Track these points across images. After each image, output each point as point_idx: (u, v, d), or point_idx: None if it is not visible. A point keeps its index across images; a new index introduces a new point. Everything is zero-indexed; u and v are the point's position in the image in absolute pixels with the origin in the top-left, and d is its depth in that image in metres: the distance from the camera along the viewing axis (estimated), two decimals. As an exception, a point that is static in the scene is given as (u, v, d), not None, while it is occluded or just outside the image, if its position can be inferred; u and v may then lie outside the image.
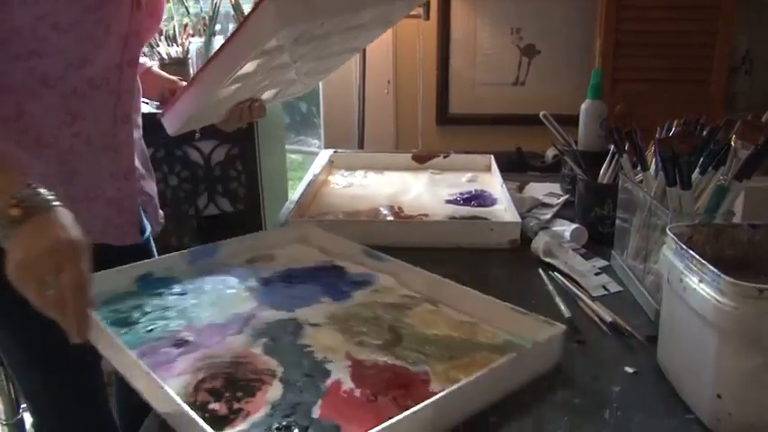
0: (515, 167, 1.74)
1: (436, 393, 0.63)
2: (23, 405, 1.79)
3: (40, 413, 1.11)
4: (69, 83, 0.94)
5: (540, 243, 1.08)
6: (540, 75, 2.25)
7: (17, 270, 0.71)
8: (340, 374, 0.71)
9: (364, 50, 2.09)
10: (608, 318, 0.86)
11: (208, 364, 0.73)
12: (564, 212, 1.30)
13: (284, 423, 0.62)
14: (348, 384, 0.69)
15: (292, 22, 0.85)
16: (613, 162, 1.16)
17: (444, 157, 1.60)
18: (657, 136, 0.93)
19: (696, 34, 2.01)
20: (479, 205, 1.31)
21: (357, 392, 0.68)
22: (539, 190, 1.45)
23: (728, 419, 0.62)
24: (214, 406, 0.65)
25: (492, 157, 1.57)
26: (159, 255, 1.15)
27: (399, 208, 1.28)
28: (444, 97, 2.29)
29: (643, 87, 2.05)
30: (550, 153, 1.74)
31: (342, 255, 1.03)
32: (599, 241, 1.12)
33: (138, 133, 1.13)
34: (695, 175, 0.86)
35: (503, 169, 1.71)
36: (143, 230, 1.14)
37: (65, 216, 0.75)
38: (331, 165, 1.59)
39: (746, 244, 0.74)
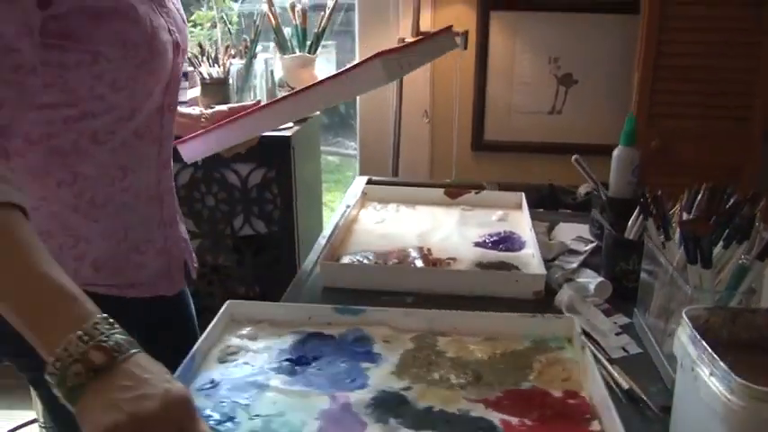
0: (546, 203, 1.75)
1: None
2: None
3: None
4: (119, 137, 0.95)
5: (563, 297, 1.10)
6: (576, 104, 2.25)
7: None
8: (496, 417, 0.77)
9: (402, 78, 2.12)
10: (625, 384, 0.87)
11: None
12: (591, 260, 1.31)
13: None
14: (514, 420, 0.76)
15: (393, 79, 0.93)
16: (640, 217, 1.16)
17: (476, 192, 1.63)
18: (681, 205, 0.95)
19: (737, 71, 2.00)
20: (507, 249, 1.33)
21: (528, 422, 0.76)
22: (568, 232, 1.46)
23: None
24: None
25: (523, 195, 1.58)
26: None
27: (428, 250, 1.31)
28: (480, 124, 2.31)
29: (681, 123, 2.04)
30: (583, 190, 1.74)
31: (304, 323, 0.96)
32: (623, 296, 1.13)
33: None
34: (718, 248, 0.87)
35: (534, 205, 1.73)
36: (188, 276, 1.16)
37: (153, 361, 0.62)
38: (364, 197, 1.63)
39: (764, 328, 0.75)
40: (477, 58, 2.24)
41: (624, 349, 0.98)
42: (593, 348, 0.96)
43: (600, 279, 1.16)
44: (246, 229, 2.01)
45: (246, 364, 0.87)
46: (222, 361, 0.87)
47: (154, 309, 1.06)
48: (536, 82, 2.25)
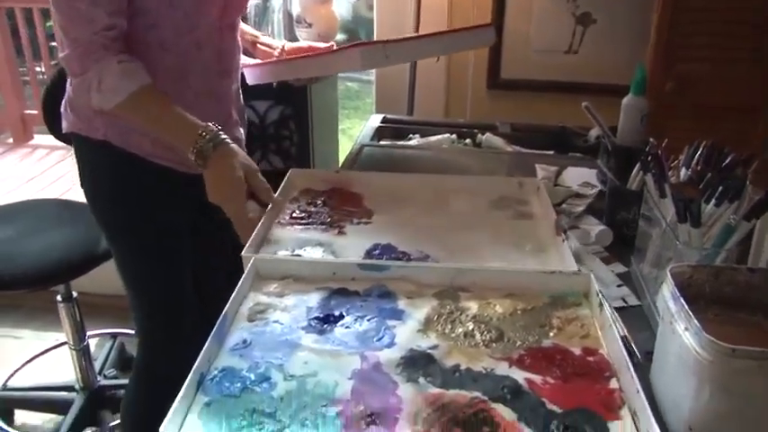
0: (558, 145, 1.78)
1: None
2: (89, 333, 1.99)
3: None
4: (181, 46, 1.20)
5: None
6: (594, 44, 2.23)
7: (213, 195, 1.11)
8: (520, 376, 0.81)
9: (418, 16, 2.12)
10: (620, 332, 0.93)
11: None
12: (597, 204, 1.36)
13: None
14: (537, 378, 0.80)
15: (371, 68, 1.01)
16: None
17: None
18: (681, 160, 0.98)
19: (756, 10, 1.96)
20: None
21: (551, 380, 0.80)
22: (575, 177, 1.50)
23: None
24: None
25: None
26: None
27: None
28: (497, 62, 2.30)
29: (698, 66, 2.03)
30: (594, 133, 1.77)
31: (329, 279, 1.01)
32: (623, 243, 1.19)
33: (236, 86, 1.38)
34: (710, 206, 0.91)
35: (545, 146, 1.77)
36: None
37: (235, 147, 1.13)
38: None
39: (744, 285, 0.80)
40: (494, -5, 2.22)
41: (624, 300, 1.04)
42: (610, 307, 0.97)
43: (602, 227, 1.21)
44: (264, 165, 2.07)
45: (276, 322, 0.90)
46: (252, 320, 0.92)
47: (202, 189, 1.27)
48: (554, 20, 2.23)
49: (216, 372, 0.82)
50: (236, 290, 0.94)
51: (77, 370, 2.02)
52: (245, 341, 0.88)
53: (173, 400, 0.73)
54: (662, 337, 0.80)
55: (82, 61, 1.10)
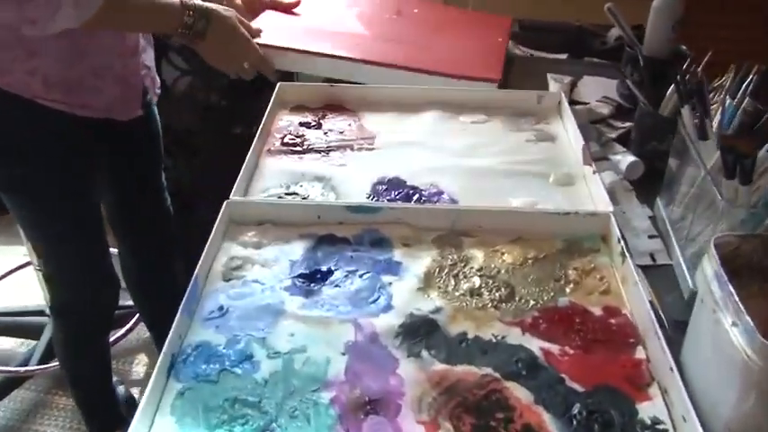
0: (573, 48, 1.60)
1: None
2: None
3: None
4: None
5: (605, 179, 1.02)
6: None
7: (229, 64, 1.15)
8: (535, 345, 0.73)
9: None
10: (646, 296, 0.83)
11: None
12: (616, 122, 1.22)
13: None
14: (554, 348, 0.73)
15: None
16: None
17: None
18: (728, 81, 0.83)
19: None
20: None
21: (570, 350, 0.73)
22: (593, 90, 1.35)
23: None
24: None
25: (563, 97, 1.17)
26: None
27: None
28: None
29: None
30: (614, 33, 1.59)
31: (313, 223, 0.90)
32: (654, 174, 1.05)
33: None
34: (762, 152, 0.78)
35: (558, 48, 1.59)
36: (145, 102, 1.26)
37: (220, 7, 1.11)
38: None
39: (798, 257, 0.70)
40: None
41: (652, 257, 0.91)
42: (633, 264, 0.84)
43: (632, 158, 1.07)
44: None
45: (256, 282, 0.81)
46: (227, 278, 0.82)
47: (107, 130, 1.18)
48: None
49: (189, 350, 0.73)
50: (207, 243, 0.83)
51: (45, 293, 1.87)
52: (221, 308, 0.79)
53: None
54: (698, 320, 0.70)
55: None
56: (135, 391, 1.77)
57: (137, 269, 1.52)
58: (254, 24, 1.23)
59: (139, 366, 1.92)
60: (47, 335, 1.83)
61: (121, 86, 1.16)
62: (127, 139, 1.28)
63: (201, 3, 1.09)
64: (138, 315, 1.88)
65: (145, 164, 1.39)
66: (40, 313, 1.91)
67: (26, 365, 1.80)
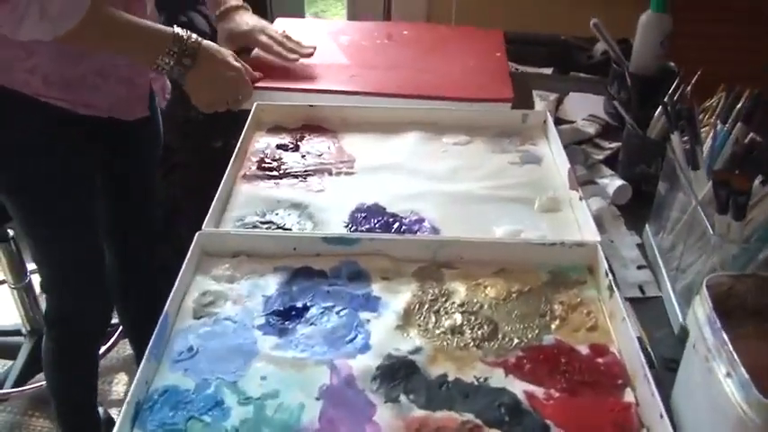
0: (558, 61, 1.57)
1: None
2: (30, 269, 1.81)
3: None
4: None
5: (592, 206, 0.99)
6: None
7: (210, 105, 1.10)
8: (518, 388, 0.70)
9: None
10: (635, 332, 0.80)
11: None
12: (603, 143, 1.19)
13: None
14: (539, 390, 0.69)
15: None
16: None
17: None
18: (719, 104, 0.80)
19: None
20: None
21: (555, 393, 0.69)
22: (579, 106, 1.32)
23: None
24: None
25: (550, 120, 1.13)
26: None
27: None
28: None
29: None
30: (600, 47, 1.56)
31: (289, 255, 0.86)
32: (642, 198, 1.03)
33: (149, 10, 1.16)
34: (756, 183, 0.75)
35: (543, 62, 1.56)
36: (152, 105, 1.24)
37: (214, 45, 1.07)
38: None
39: (793, 296, 0.66)
40: None
41: (641, 289, 0.88)
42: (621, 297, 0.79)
43: (619, 182, 1.04)
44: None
45: (228, 319, 0.77)
46: (198, 316, 0.78)
47: (109, 129, 1.17)
48: None
49: (156, 396, 0.69)
50: (178, 278, 0.79)
51: (21, 312, 1.83)
52: (190, 348, 0.74)
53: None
54: (690, 365, 0.66)
55: None
56: (114, 412, 1.71)
57: (118, 270, 1.48)
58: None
59: (119, 386, 1.87)
60: (23, 355, 1.78)
61: (126, 87, 1.15)
62: (128, 140, 1.27)
63: (195, 38, 1.05)
64: (118, 332, 1.84)
65: (143, 165, 1.37)
66: (17, 333, 1.86)
67: (1, 387, 1.75)
